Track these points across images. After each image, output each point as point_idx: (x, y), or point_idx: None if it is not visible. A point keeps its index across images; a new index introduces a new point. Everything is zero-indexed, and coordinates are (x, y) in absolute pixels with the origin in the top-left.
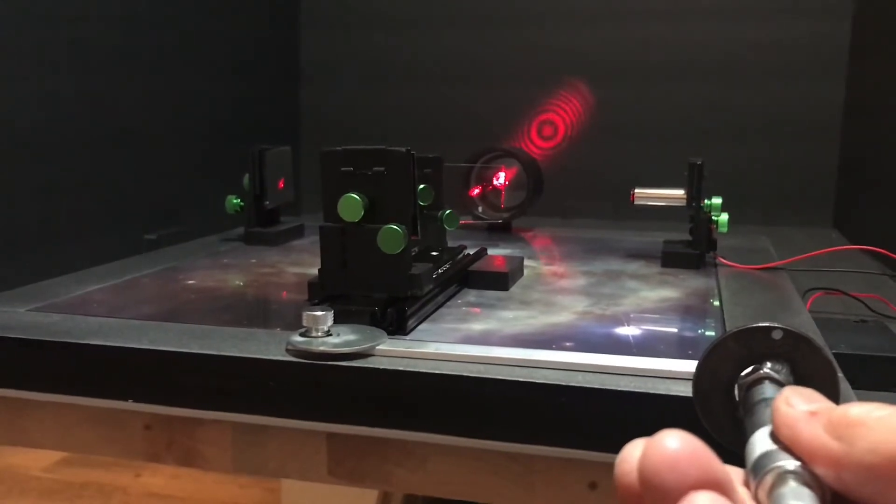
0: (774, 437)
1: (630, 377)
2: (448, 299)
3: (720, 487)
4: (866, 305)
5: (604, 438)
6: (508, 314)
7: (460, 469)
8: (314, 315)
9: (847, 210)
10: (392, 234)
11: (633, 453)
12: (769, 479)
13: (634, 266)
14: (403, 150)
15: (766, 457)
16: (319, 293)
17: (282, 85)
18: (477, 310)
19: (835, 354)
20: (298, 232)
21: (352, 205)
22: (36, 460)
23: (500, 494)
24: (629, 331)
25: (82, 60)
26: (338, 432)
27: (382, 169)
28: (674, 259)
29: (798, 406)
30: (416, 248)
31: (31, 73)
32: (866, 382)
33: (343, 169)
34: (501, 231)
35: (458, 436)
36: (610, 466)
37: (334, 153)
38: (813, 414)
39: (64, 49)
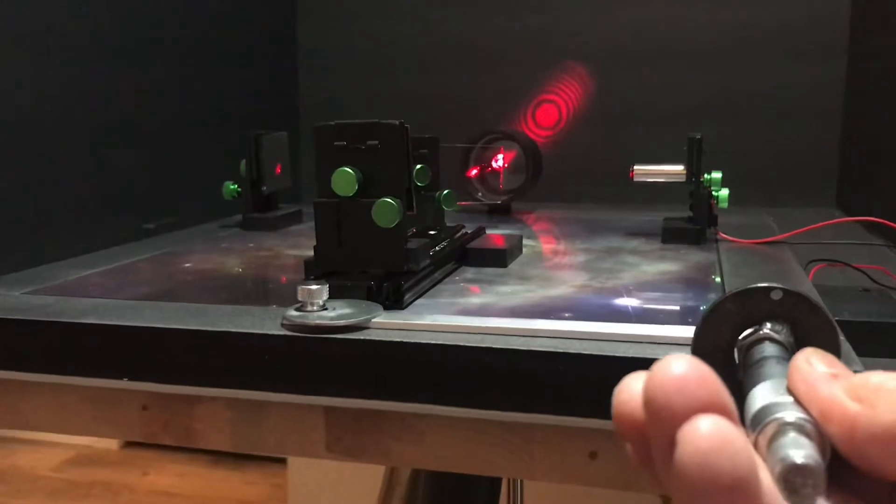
0: (777, 391)
1: (628, 343)
2: (445, 276)
3: (727, 413)
4: (869, 276)
5: (603, 406)
6: (506, 288)
7: (459, 442)
8: (309, 289)
9: (849, 189)
10: (387, 208)
11: (633, 384)
12: (770, 429)
13: (634, 243)
14: (396, 122)
15: (767, 408)
16: (316, 271)
17: (279, 73)
18: (475, 287)
19: (838, 322)
20: (296, 217)
21: (345, 179)
22: (43, 460)
23: (500, 466)
24: (628, 301)
25: (78, 50)
26: (335, 406)
27: (376, 142)
28: (674, 235)
29: (818, 367)
30: (413, 228)
31: (27, 62)
32: (870, 349)
33: (336, 143)
34: (501, 213)
35: (455, 406)
36: (610, 434)
37: (327, 127)
38: (834, 376)
39: (60, 38)
